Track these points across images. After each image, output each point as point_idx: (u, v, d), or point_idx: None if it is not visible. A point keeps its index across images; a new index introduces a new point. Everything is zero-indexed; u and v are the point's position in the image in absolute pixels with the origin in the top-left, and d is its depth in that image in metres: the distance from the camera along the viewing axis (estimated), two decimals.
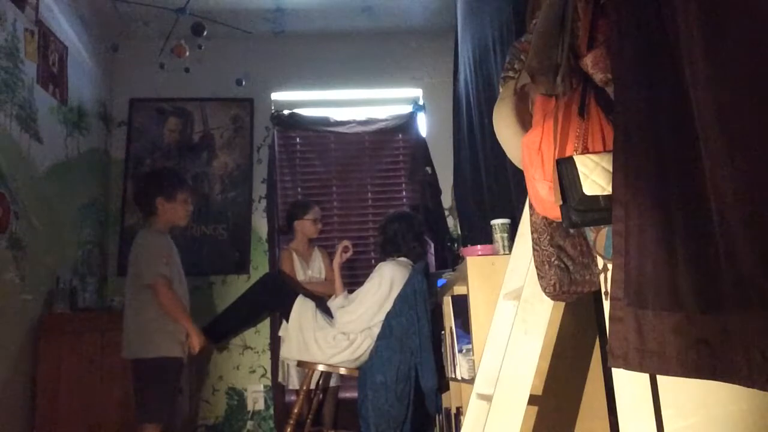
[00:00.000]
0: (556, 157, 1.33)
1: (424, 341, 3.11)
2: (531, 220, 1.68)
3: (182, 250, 3.38)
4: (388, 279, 3.24)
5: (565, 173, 1.29)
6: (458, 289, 2.80)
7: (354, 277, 4.17)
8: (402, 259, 3.39)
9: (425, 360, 3.10)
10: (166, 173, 3.80)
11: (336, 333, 3.28)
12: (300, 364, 3.38)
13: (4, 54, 3.16)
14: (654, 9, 1.08)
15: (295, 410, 3.29)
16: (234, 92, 4.44)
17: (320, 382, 3.64)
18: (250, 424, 4.09)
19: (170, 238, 3.29)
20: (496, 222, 2.49)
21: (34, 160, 3.42)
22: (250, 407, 4.10)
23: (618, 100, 1.19)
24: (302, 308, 3.38)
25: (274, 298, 3.59)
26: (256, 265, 4.35)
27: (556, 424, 2.24)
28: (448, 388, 3.05)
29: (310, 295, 3.55)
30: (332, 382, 3.79)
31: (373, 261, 4.46)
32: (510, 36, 2.61)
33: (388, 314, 3.20)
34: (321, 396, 3.72)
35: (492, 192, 3.08)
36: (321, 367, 3.31)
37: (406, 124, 4.66)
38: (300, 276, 3.88)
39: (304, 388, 3.34)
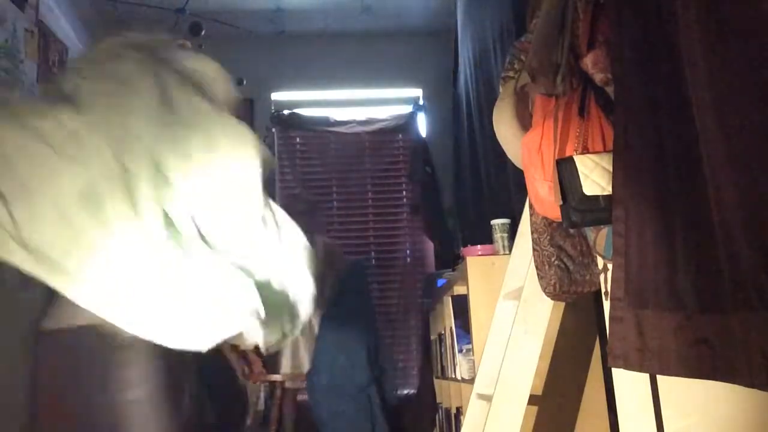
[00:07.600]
0: (556, 157, 1.33)
1: (357, 335, 3.13)
2: (531, 220, 1.68)
3: None
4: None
5: (565, 173, 1.29)
6: (458, 289, 2.79)
7: None
8: None
9: (357, 354, 3.11)
10: None
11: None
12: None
13: (4, 54, 3.16)
14: (654, 9, 1.08)
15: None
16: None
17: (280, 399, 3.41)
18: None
19: None
20: (496, 222, 2.49)
21: None
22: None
23: (618, 100, 1.19)
24: None
25: None
26: None
27: (556, 424, 2.24)
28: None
29: None
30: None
31: (373, 260, 4.46)
32: (510, 36, 2.61)
33: (325, 314, 3.18)
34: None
35: (492, 192, 3.08)
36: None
37: (406, 124, 4.66)
38: None
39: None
